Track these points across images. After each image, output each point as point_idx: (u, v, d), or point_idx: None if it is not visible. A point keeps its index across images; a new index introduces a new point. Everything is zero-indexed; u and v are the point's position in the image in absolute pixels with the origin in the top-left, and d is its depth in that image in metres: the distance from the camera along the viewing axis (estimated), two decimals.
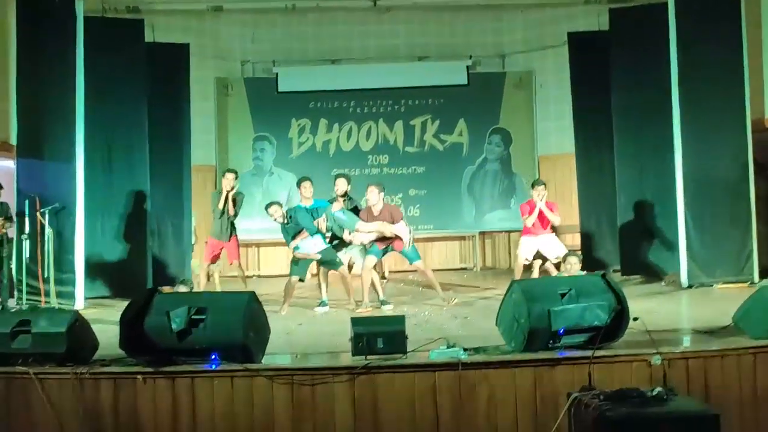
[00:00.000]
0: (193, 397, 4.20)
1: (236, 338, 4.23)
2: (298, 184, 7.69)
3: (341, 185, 7.59)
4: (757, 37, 8.26)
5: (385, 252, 7.37)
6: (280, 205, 7.39)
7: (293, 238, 7.26)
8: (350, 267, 7.61)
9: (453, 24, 11.41)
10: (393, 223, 7.15)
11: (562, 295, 4.43)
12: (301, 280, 7.30)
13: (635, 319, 4.25)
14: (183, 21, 10.64)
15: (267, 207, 7.37)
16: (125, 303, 7.70)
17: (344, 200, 7.52)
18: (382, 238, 7.18)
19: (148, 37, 9.46)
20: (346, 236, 7.28)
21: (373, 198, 7.21)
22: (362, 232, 7.12)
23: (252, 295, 4.44)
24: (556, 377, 4.19)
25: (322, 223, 7.22)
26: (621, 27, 9.22)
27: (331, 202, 7.56)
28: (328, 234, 7.36)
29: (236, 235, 8.05)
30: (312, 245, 7.22)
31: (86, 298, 7.98)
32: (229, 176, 7.91)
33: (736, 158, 8.03)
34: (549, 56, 11.24)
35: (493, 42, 11.60)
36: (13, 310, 7.38)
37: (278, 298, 7.60)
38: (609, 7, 9.48)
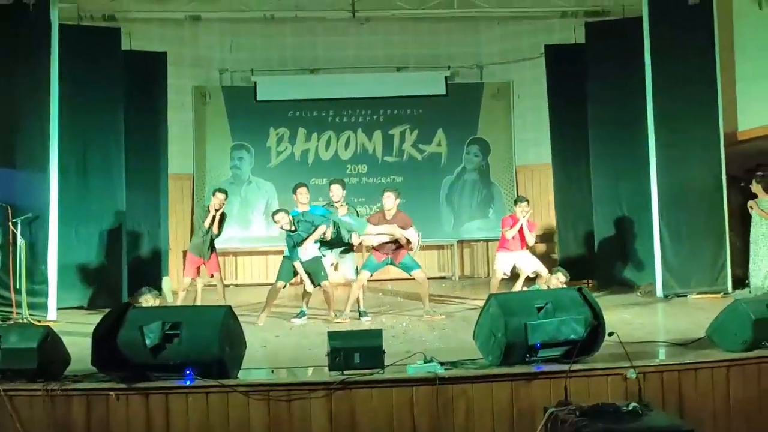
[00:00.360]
0: (168, 413, 4.13)
1: (211, 353, 4.18)
2: (294, 190, 7.60)
3: (337, 191, 7.48)
4: (729, 52, 8.40)
5: (381, 266, 7.31)
6: (287, 212, 7.24)
7: (297, 245, 7.10)
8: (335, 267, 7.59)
9: (431, 35, 11.47)
10: (404, 228, 7.13)
11: (539, 309, 4.45)
12: (285, 285, 7.20)
13: (611, 334, 4.28)
14: (160, 29, 10.56)
15: (273, 214, 7.23)
16: (100, 313, 7.82)
17: (341, 206, 7.42)
18: (385, 246, 7.14)
19: (125, 45, 9.41)
20: (354, 239, 7.21)
21: (389, 203, 7.18)
22: (372, 234, 7.06)
23: (228, 310, 4.40)
24: (533, 391, 4.20)
25: (328, 232, 7.11)
26: (597, 40, 9.37)
27: (328, 208, 7.45)
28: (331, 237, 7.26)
29: (216, 252, 7.88)
30: (305, 252, 7.12)
31: (60, 309, 7.85)
32: (220, 196, 7.69)
33: (710, 170, 8.15)
34: (526, 68, 11.34)
35: (471, 53, 11.67)
36: None
37: (256, 308, 7.56)
38: (585, 21, 9.63)
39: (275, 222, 7.22)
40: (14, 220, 7.45)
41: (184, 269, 8.13)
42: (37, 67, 7.74)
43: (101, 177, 8.83)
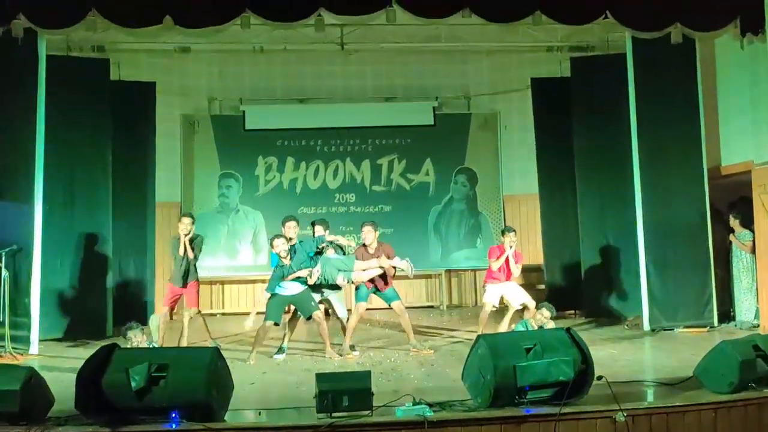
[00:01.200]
0: None
1: (198, 397, 4.14)
2: (283, 224, 7.53)
3: (319, 231, 7.52)
4: (712, 89, 8.54)
5: (369, 294, 7.31)
6: (287, 239, 7.22)
7: (283, 278, 7.03)
8: (327, 312, 7.55)
9: (419, 66, 11.57)
10: (389, 258, 7.15)
11: (528, 350, 4.46)
12: (276, 324, 7.06)
13: (599, 378, 4.29)
14: (149, 59, 10.58)
15: (272, 239, 7.19)
16: (84, 345, 7.74)
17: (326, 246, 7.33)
18: (376, 276, 7.15)
19: (114, 75, 9.44)
20: (340, 281, 7.10)
21: (370, 238, 7.20)
22: (361, 271, 7.06)
23: (215, 351, 4.37)
24: None
25: (315, 273, 6.99)
26: (582, 74, 9.52)
27: (317, 246, 7.32)
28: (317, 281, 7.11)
29: (197, 281, 7.67)
30: (292, 287, 7.06)
31: (44, 340, 7.76)
32: (186, 221, 7.54)
33: (694, 205, 8.25)
34: (513, 99, 11.46)
35: (458, 84, 11.77)
36: None
37: (242, 340, 7.47)
38: (570, 56, 9.76)
39: (272, 247, 7.17)
40: None
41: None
42: (24, 97, 7.70)
43: (87, 207, 8.81)
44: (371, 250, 7.24)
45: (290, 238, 7.34)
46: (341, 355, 6.86)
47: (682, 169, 8.31)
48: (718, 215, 8.67)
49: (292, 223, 7.47)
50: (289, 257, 7.05)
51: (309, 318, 7.04)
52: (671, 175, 8.26)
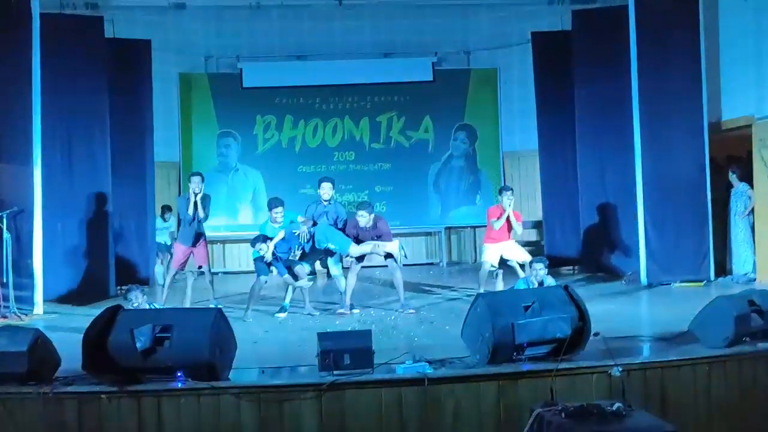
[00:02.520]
0: (160, 416, 4.18)
1: (202, 356, 4.21)
2: (270, 208, 7.42)
3: (327, 190, 7.42)
4: (714, 41, 8.44)
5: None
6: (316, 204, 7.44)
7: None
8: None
9: (418, 20, 11.38)
10: (380, 237, 7.18)
11: (526, 308, 4.52)
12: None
13: (596, 334, 4.36)
14: (144, 16, 10.41)
15: (275, 206, 7.30)
16: (87, 305, 7.83)
17: (327, 204, 7.38)
18: (367, 236, 7.20)
19: (108, 33, 9.28)
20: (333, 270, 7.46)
21: (364, 221, 7.16)
22: (355, 250, 7.15)
23: (218, 312, 4.43)
24: (520, 390, 4.28)
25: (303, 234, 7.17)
26: (583, 28, 9.37)
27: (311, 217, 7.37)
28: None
29: (205, 240, 7.78)
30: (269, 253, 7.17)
31: (48, 301, 7.85)
32: (196, 179, 7.60)
33: (694, 160, 8.24)
34: (514, 53, 11.33)
35: (458, 39, 11.62)
36: None
37: (244, 298, 7.57)
38: (571, 9, 9.60)
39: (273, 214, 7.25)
40: None
41: (171, 260, 8.10)
42: (19, 58, 7.65)
43: (86, 168, 8.77)
44: (368, 228, 7.21)
45: (326, 200, 7.37)
46: (340, 312, 6.92)
47: (682, 123, 8.27)
48: (718, 169, 8.66)
49: (280, 209, 7.29)
50: (307, 238, 7.19)
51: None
52: (671, 129, 8.22)
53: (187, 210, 7.56)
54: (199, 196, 7.58)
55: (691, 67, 8.18)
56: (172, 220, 9.76)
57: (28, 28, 7.65)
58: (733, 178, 8.34)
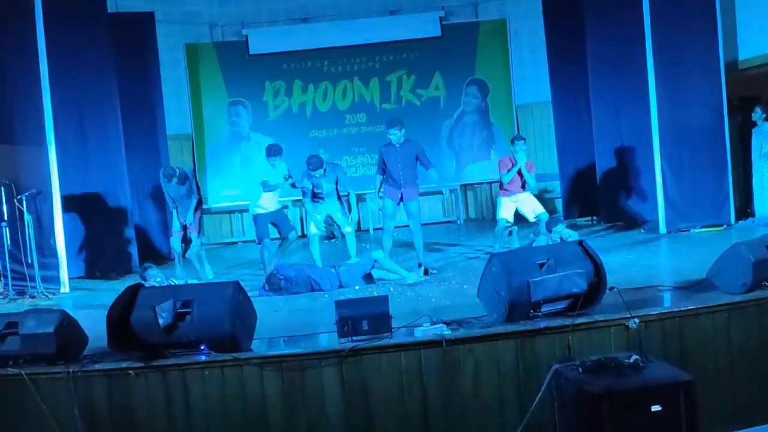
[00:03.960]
0: (186, 388, 4.27)
1: (224, 329, 4.29)
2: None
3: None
4: None
5: (396, 208, 7.16)
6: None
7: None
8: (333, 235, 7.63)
9: None
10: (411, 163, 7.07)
11: (541, 265, 4.51)
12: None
13: (611, 288, 4.35)
14: None
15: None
16: (113, 281, 7.98)
17: (325, 171, 7.31)
18: (390, 180, 7.07)
19: (111, 8, 9.22)
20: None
21: (396, 137, 7.02)
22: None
23: (236, 285, 4.49)
24: (538, 347, 4.30)
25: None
26: None
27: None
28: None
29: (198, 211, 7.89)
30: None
31: (72, 278, 8.00)
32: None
33: (711, 102, 8.08)
34: (522, 3, 11.08)
35: None
36: None
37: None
38: None
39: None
40: (19, 197, 7.52)
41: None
42: (23, 39, 7.64)
43: (100, 145, 8.82)
44: (397, 144, 7.06)
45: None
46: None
47: (697, 65, 8.08)
48: (736, 111, 8.48)
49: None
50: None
51: (285, 238, 7.37)
52: (687, 72, 8.04)
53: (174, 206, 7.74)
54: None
55: (706, 6, 7.95)
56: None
57: (31, 7, 7.61)
58: (758, 116, 8.12)
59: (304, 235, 8.52)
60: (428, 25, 11.26)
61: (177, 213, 7.77)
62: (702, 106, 8.10)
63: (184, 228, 7.79)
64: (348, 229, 7.53)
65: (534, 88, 11.14)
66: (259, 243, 7.45)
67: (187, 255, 7.81)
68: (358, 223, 11.69)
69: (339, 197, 7.48)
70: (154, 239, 9.71)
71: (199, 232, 7.81)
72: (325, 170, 7.24)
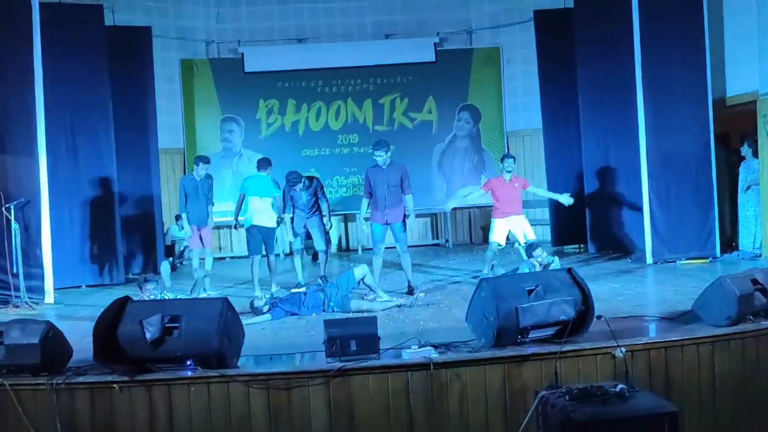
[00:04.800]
0: (170, 404, 4.25)
1: (211, 346, 4.27)
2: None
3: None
4: (718, 17, 8.36)
5: (385, 230, 7.13)
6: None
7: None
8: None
9: (419, 0, 11.33)
10: (395, 184, 7.06)
11: (529, 292, 4.55)
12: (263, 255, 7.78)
13: (599, 317, 4.39)
14: (144, 2, 10.42)
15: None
16: (98, 294, 7.93)
17: (308, 187, 7.63)
18: (378, 203, 7.07)
19: (108, 21, 9.27)
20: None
21: (382, 160, 7.04)
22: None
23: (225, 302, 4.48)
24: (525, 373, 4.32)
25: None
26: (585, 4, 9.31)
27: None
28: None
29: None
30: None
31: (57, 289, 7.93)
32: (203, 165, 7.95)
33: (699, 136, 8.21)
34: (516, 32, 11.27)
35: (460, 18, 11.57)
36: None
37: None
38: None
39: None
40: (7, 205, 7.47)
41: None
42: (20, 48, 7.65)
43: (91, 157, 8.84)
44: (384, 166, 7.07)
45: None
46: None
47: (686, 99, 8.22)
48: (724, 145, 8.62)
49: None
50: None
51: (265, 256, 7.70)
52: (675, 105, 8.18)
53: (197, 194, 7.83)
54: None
55: (695, 42, 8.12)
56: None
57: (28, 18, 7.65)
58: (747, 152, 8.26)
59: (291, 253, 8.58)
60: (423, 50, 11.40)
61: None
62: (689, 138, 8.24)
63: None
64: (321, 247, 7.79)
65: (525, 116, 11.29)
66: (266, 255, 7.75)
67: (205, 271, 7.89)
68: (347, 242, 11.73)
69: (319, 211, 7.78)
70: (141, 252, 9.67)
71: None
72: (304, 183, 7.61)
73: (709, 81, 8.18)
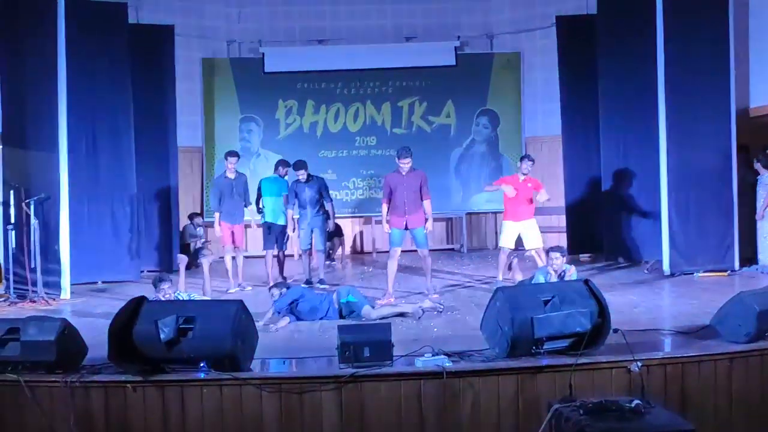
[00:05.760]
0: (183, 405, 4.26)
1: (224, 348, 4.28)
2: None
3: (303, 172, 8.05)
4: (743, 27, 8.25)
5: (404, 235, 7.20)
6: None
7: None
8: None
9: (441, 4, 11.32)
10: (415, 189, 7.10)
11: (545, 302, 4.51)
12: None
13: (615, 331, 4.34)
14: (167, 1, 10.47)
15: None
16: (114, 291, 7.99)
17: (310, 179, 7.96)
18: (398, 208, 7.08)
19: (132, 19, 9.36)
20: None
21: (405, 166, 7.09)
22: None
23: (240, 304, 4.49)
24: (539, 384, 4.29)
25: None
26: (609, 11, 9.22)
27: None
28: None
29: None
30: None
31: (75, 284, 8.00)
32: (232, 159, 8.21)
33: (721, 148, 8.10)
34: (537, 37, 11.20)
35: (481, 22, 11.52)
36: (0, 302, 7.47)
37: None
38: None
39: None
40: (27, 201, 7.55)
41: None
42: (44, 46, 7.75)
43: (111, 154, 8.90)
44: (404, 172, 7.11)
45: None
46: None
47: (709, 110, 8.10)
48: (745, 158, 8.51)
49: (301, 171, 8.11)
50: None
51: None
52: (698, 116, 8.06)
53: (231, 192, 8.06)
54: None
55: (719, 52, 8.01)
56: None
57: (53, 15, 7.74)
58: (758, 166, 8.19)
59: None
60: (443, 53, 11.37)
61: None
62: (711, 150, 8.13)
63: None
64: (320, 248, 8.03)
65: (544, 122, 11.22)
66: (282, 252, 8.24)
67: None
68: (362, 244, 11.72)
69: (324, 212, 8.04)
70: (158, 250, 9.73)
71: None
72: (308, 177, 7.84)
73: (732, 93, 8.07)
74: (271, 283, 7.28)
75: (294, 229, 8.27)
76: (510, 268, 7.61)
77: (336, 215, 10.31)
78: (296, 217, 8.19)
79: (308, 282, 7.86)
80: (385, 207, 7.23)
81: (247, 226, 8.48)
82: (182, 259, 8.28)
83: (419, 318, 6.07)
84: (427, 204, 7.17)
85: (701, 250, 8.10)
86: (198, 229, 10.30)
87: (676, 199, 8.17)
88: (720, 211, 8.12)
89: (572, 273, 6.44)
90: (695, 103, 8.09)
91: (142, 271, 9.21)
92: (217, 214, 8.12)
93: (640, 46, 8.57)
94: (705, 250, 8.10)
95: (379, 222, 8.94)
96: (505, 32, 11.50)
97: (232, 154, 8.26)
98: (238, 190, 8.15)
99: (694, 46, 8.05)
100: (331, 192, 8.43)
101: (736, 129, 8.09)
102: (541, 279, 6.33)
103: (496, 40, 11.55)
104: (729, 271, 8.01)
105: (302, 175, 7.90)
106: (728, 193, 8.12)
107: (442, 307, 6.39)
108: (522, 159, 7.74)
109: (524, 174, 7.53)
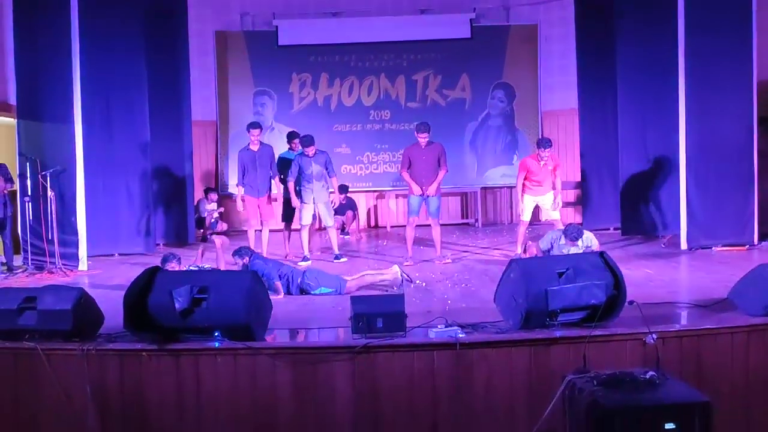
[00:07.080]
0: (197, 374, 4.30)
1: (238, 318, 4.30)
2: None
3: (312, 148, 7.88)
4: None
5: (421, 203, 7.66)
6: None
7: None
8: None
9: None
10: (434, 162, 7.60)
11: (560, 275, 4.47)
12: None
13: (630, 303, 4.30)
14: None
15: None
16: (130, 263, 8.05)
17: (315, 156, 7.85)
18: (417, 175, 7.56)
19: None
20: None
21: (424, 140, 7.60)
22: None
23: (254, 275, 4.50)
24: (552, 356, 4.27)
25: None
26: None
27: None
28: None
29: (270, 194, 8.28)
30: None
31: (91, 257, 8.07)
32: (255, 131, 8.12)
33: (741, 120, 7.93)
34: (554, 9, 11.01)
35: None
36: (18, 273, 7.56)
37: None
38: None
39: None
40: (43, 173, 7.59)
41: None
42: (57, 17, 7.70)
43: (125, 126, 8.89)
44: (423, 145, 7.62)
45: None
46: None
47: (729, 82, 7.91)
48: (766, 130, 8.34)
49: (310, 147, 7.90)
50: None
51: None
52: (718, 88, 7.87)
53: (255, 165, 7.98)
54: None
55: (741, 23, 7.80)
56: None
57: None
58: None
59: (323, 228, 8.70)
60: (458, 26, 11.21)
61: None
62: (731, 122, 7.96)
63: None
64: (330, 224, 7.95)
65: (561, 95, 11.06)
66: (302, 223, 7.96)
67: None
68: (376, 219, 11.70)
69: (328, 185, 7.94)
70: (172, 222, 9.78)
71: None
72: (315, 151, 7.78)
73: (755, 64, 7.88)
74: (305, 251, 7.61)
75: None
76: (525, 251, 7.63)
77: (350, 189, 10.37)
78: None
79: (305, 259, 7.79)
80: (405, 173, 7.66)
81: (274, 199, 8.27)
82: (218, 239, 8.16)
83: (400, 285, 6.15)
84: (441, 173, 7.64)
85: (720, 223, 7.98)
86: (212, 203, 10.33)
87: (695, 172, 8.03)
88: (739, 184, 7.97)
89: (590, 240, 6.49)
90: (716, 75, 7.90)
91: (157, 245, 9.28)
92: (240, 189, 8.09)
93: (660, 17, 8.41)
94: (724, 223, 7.98)
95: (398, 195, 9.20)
96: (522, 4, 11.30)
97: (254, 125, 8.15)
98: (262, 162, 8.00)
99: (716, 16, 7.84)
100: (345, 166, 8.39)
101: (757, 100, 7.92)
102: (547, 240, 6.51)
103: (513, 12, 11.37)
104: (748, 246, 7.90)
105: (311, 150, 7.78)
106: (748, 166, 7.97)
107: (411, 282, 6.39)
108: (540, 145, 7.68)
109: (543, 159, 7.58)
